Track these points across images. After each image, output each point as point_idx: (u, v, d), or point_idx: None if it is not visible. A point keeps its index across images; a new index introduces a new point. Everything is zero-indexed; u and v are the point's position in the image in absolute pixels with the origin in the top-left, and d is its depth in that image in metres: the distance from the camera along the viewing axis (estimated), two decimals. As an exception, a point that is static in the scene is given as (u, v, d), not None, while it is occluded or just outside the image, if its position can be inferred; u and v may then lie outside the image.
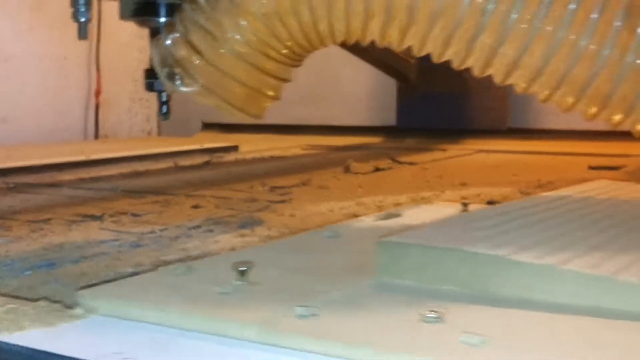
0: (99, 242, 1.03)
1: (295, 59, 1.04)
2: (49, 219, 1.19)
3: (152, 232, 1.09)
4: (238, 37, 0.97)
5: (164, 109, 1.14)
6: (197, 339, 0.56)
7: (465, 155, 2.12)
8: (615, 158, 1.82)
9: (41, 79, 2.66)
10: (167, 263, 0.84)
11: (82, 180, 1.69)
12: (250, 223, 1.15)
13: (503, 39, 0.92)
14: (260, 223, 1.15)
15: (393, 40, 0.97)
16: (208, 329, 0.56)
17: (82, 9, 1.16)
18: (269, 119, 3.17)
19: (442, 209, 1.02)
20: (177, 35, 1.01)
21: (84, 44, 2.58)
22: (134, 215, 1.23)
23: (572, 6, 0.87)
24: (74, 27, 1.18)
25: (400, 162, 1.93)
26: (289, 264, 0.72)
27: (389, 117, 2.58)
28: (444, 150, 2.25)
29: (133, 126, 3.02)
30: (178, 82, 1.02)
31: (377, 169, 1.80)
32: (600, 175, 1.60)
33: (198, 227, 1.13)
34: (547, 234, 0.70)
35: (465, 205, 1.00)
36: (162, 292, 0.62)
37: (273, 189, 1.51)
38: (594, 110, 0.95)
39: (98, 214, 1.23)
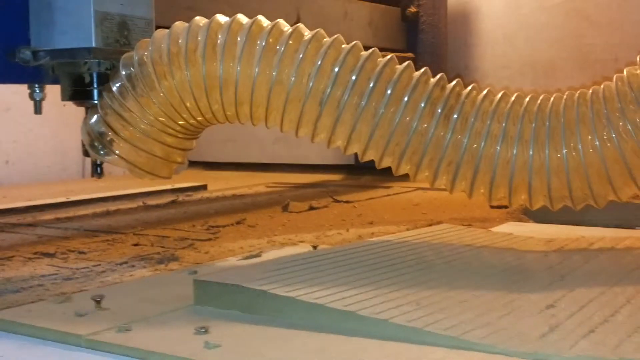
0: (40, 276, 1.33)
1: (192, 134, 1.34)
2: (12, 257, 1.50)
3: (86, 267, 1.40)
4: (142, 119, 1.28)
5: (98, 169, 1.44)
6: (49, 345, 0.85)
7: (401, 193, 2.40)
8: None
9: (41, 125, 3.01)
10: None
11: (58, 219, 2.01)
12: (168, 259, 1.45)
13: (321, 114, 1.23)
14: (177, 259, 1.45)
15: (261, 121, 1.27)
16: (55, 338, 0.85)
17: (37, 90, 1.48)
18: (247, 158, 3.47)
19: (295, 251, 1.31)
20: (98, 115, 1.32)
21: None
22: (80, 252, 1.53)
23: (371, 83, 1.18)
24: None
25: (337, 201, 2.22)
26: (142, 294, 1.02)
27: (349, 157, 2.88)
28: (388, 187, 2.53)
29: (128, 164, 3.34)
30: (101, 152, 1.32)
31: (312, 208, 2.09)
32: (490, 215, 1.88)
33: (125, 263, 1.43)
34: (311, 275, 0.98)
35: (314, 247, 1.28)
36: (38, 314, 0.93)
37: (209, 227, 1.81)
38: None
39: (52, 251, 1.54)
